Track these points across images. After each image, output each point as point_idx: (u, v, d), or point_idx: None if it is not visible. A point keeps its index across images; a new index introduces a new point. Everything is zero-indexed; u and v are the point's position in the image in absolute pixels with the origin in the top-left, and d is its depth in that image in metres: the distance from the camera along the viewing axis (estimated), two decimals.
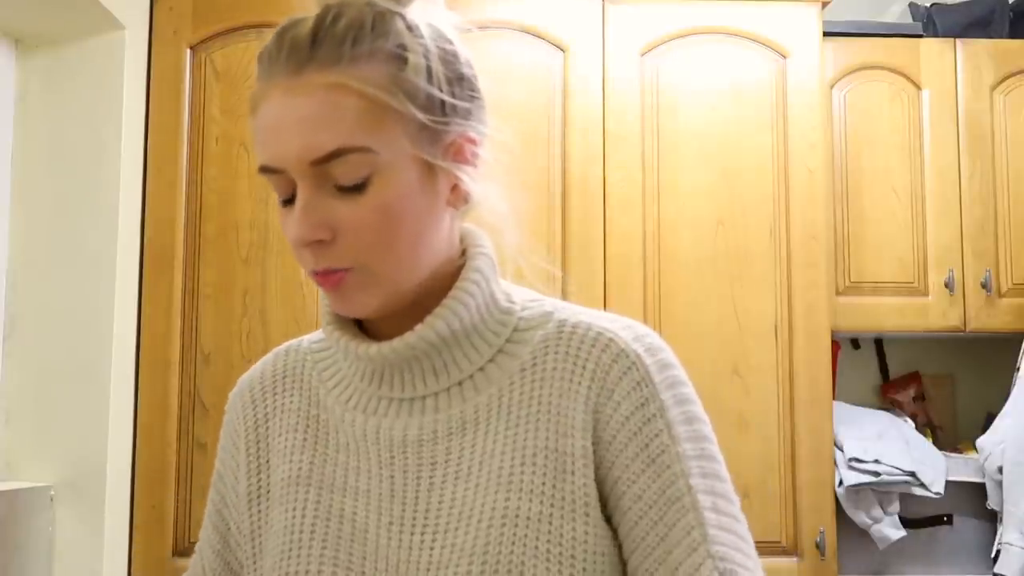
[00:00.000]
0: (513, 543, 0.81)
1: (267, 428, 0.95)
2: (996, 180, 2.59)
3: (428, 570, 0.82)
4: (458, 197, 0.87)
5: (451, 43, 0.86)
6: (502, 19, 2.32)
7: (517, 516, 0.82)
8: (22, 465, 2.06)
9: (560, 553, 0.81)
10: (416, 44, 0.82)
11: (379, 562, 0.84)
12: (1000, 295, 2.56)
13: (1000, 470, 2.36)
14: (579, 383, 0.85)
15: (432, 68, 0.83)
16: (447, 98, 0.83)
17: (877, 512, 2.38)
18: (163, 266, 2.21)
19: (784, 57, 2.37)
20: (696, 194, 2.32)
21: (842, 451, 2.40)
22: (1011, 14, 2.75)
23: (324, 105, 0.79)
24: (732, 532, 0.84)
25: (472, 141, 0.86)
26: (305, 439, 0.92)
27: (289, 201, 0.83)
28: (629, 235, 2.30)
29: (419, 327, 0.86)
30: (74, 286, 2.08)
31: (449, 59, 0.85)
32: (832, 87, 2.58)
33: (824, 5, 2.40)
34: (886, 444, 2.42)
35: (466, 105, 0.86)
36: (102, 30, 2.11)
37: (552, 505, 0.82)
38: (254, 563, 0.93)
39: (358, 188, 0.81)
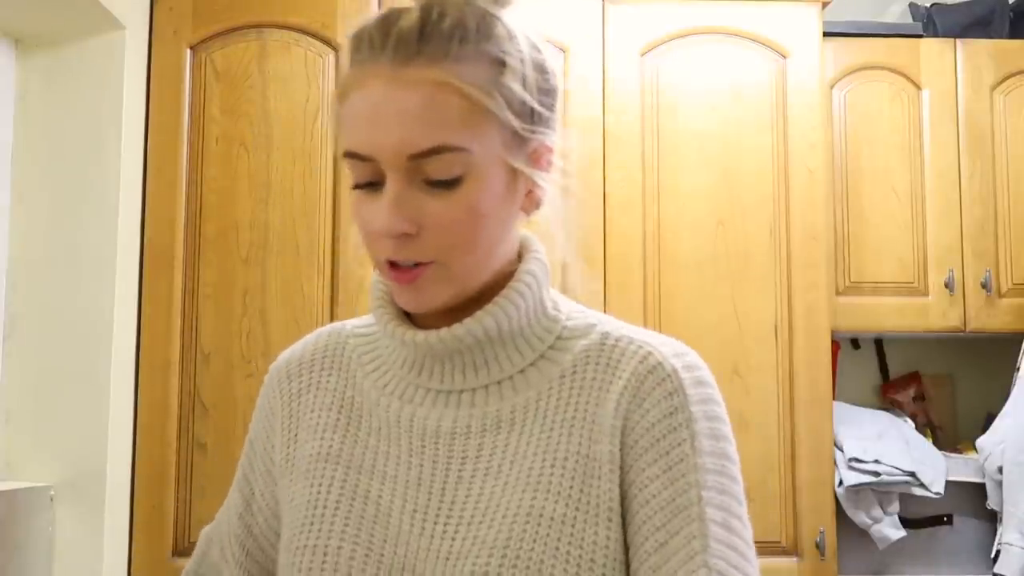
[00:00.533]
0: (535, 541, 0.81)
1: (299, 403, 0.96)
2: (996, 180, 2.58)
3: (447, 559, 0.83)
4: (532, 203, 0.89)
5: (541, 53, 0.88)
6: None
7: (541, 516, 0.82)
8: (22, 465, 2.06)
9: (580, 556, 0.81)
10: (515, 50, 0.84)
11: (399, 547, 0.85)
12: (1000, 295, 2.56)
13: (1000, 470, 2.36)
14: (613, 390, 0.86)
15: (527, 76, 0.85)
16: (536, 106, 0.85)
17: (877, 512, 2.37)
18: (163, 266, 2.21)
19: (784, 57, 2.37)
20: (696, 194, 2.32)
21: (842, 451, 2.40)
22: (1011, 14, 2.75)
23: (428, 101, 0.80)
24: (739, 553, 0.82)
25: (550, 150, 0.89)
26: (338, 419, 0.93)
27: (367, 186, 0.84)
28: (629, 235, 2.30)
29: (468, 320, 0.87)
30: (74, 286, 2.08)
31: (541, 68, 0.87)
32: (832, 87, 2.57)
33: (824, 5, 2.39)
34: (886, 444, 2.42)
35: (549, 114, 0.88)
36: (102, 30, 2.11)
37: (577, 509, 0.83)
38: (274, 533, 0.95)
39: (449, 185, 0.82)
